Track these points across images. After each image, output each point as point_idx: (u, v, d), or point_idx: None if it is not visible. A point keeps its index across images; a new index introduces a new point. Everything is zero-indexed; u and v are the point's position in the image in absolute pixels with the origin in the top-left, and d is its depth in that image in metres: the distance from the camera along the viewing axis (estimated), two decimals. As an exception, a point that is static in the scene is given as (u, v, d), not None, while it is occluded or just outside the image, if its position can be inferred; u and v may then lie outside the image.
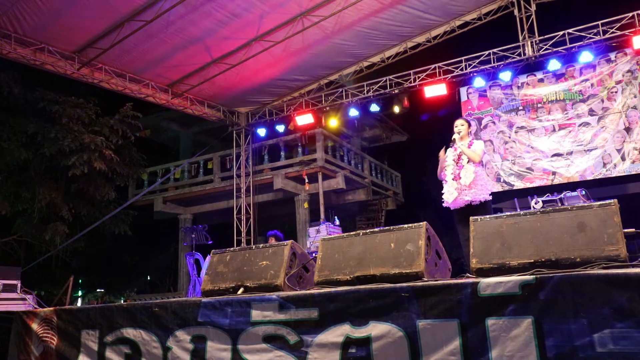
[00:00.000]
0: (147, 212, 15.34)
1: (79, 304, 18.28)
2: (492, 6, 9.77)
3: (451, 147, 5.35)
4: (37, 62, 8.71)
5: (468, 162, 5.15)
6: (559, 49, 9.13)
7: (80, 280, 20.48)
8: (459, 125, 5.37)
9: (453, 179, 5.16)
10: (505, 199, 11.45)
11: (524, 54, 9.36)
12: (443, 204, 5.31)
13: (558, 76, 9.62)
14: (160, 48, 9.27)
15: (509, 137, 9.94)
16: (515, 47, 9.46)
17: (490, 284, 2.61)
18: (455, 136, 5.30)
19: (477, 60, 9.76)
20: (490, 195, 5.15)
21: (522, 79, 9.93)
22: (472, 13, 9.92)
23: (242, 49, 9.56)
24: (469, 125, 5.42)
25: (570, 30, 9.06)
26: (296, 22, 9.05)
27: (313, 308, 3.09)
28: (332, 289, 3.14)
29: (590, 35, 8.89)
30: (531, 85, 9.86)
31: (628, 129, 8.98)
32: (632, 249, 2.86)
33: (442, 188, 5.35)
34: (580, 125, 9.38)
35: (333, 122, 11.66)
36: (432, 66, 10.15)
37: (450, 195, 5.14)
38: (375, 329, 2.86)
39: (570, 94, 9.54)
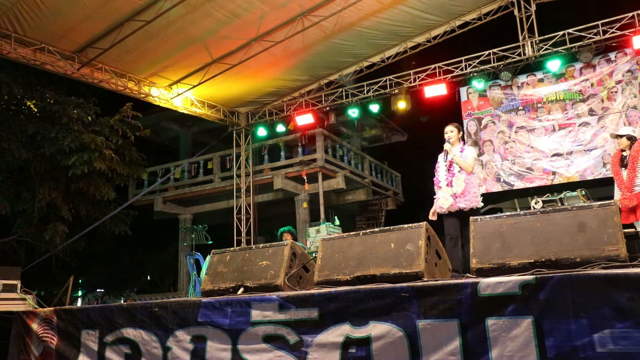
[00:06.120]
0: (147, 212, 15.33)
1: (79, 304, 18.28)
2: (492, 6, 9.77)
3: (443, 153, 5.43)
4: (37, 62, 8.70)
5: (459, 170, 5.22)
6: (559, 49, 9.13)
7: (80, 280, 20.48)
8: (449, 132, 5.42)
9: (447, 185, 5.23)
10: (505, 199, 11.46)
11: (524, 54, 9.36)
12: (435, 209, 5.36)
13: (558, 76, 9.62)
14: (161, 48, 9.26)
15: (509, 137, 9.93)
16: (515, 47, 9.46)
17: (490, 284, 2.61)
18: (447, 146, 5.36)
19: (477, 60, 9.76)
20: (481, 202, 5.23)
21: (522, 79, 9.93)
22: (472, 13, 9.92)
23: (242, 49, 9.56)
24: (459, 130, 5.46)
25: (570, 30, 9.06)
26: (296, 22, 9.05)
27: (313, 308, 3.10)
28: (332, 289, 3.14)
29: (590, 35, 8.89)
30: (531, 85, 9.86)
31: (628, 129, 8.97)
32: (631, 249, 2.87)
33: None
34: (580, 125, 9.38)
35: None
36: (432, 66, 10.15)
37: (446, 201, 5.19)
38: (375, 329, 2.86)
39: (570, 94, 9.54)
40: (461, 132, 5.49)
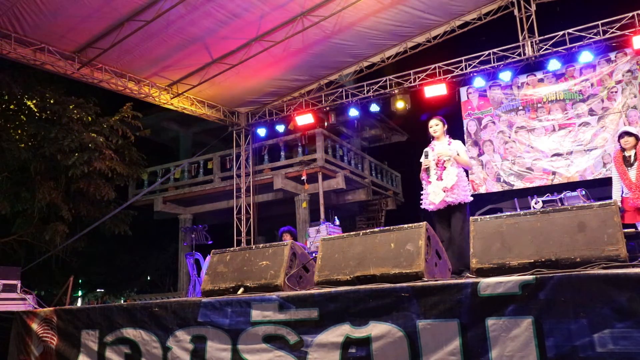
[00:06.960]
0: (147, 212, 15.33)
1: (79, 304, 18.28)
2: (492, 6, 9.76)
3: (429, 148, 5.32)
4: (37, 62, 8.70)
5: (452, 164, 5.12)
6: (559, 49, 9.13)
7: (80, 280, 20.48)
8: (434, 125, 5.33)
9: (437, 179, 5.12)
10: (505, 199, 11.46)
11: (524, 54, 9.36)
12: (422, 205, 5.24)
13: (558, 76, 9.62)
14: (161, 48, 9.26)
15: (509, 137, 9.93)
16: (515, 47, 9.45)
17: (490, 284, 2.61)
18: (429, 153, 5.25)
19: (477, 60, 9.76)
20: (470, 197, 5.14)
21: (522, 79, 9.93)
22: (472, 13, 9.92)
23: (242, 49, 9.56)
24: (444, 124, 5.36)
25: (570, 30, 9.06)
26: (296, 22, 9.05)
27: (313, 308, 3.09)
28: (332, 289, 3.14)
29: (590, 35, 8.89)
30: (531, 85, 9.86)
31: (628, 129, 8.97)
32: (631, 249, 2.87)
33: None
34: (580, 125, 9.38)
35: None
36: (432, 66, 10.15)
37: (437, 196, 5.07)
38: (375, 329, 2.86)
39: (570, 93, 9.54)
40: (446, 126, 5.37)
